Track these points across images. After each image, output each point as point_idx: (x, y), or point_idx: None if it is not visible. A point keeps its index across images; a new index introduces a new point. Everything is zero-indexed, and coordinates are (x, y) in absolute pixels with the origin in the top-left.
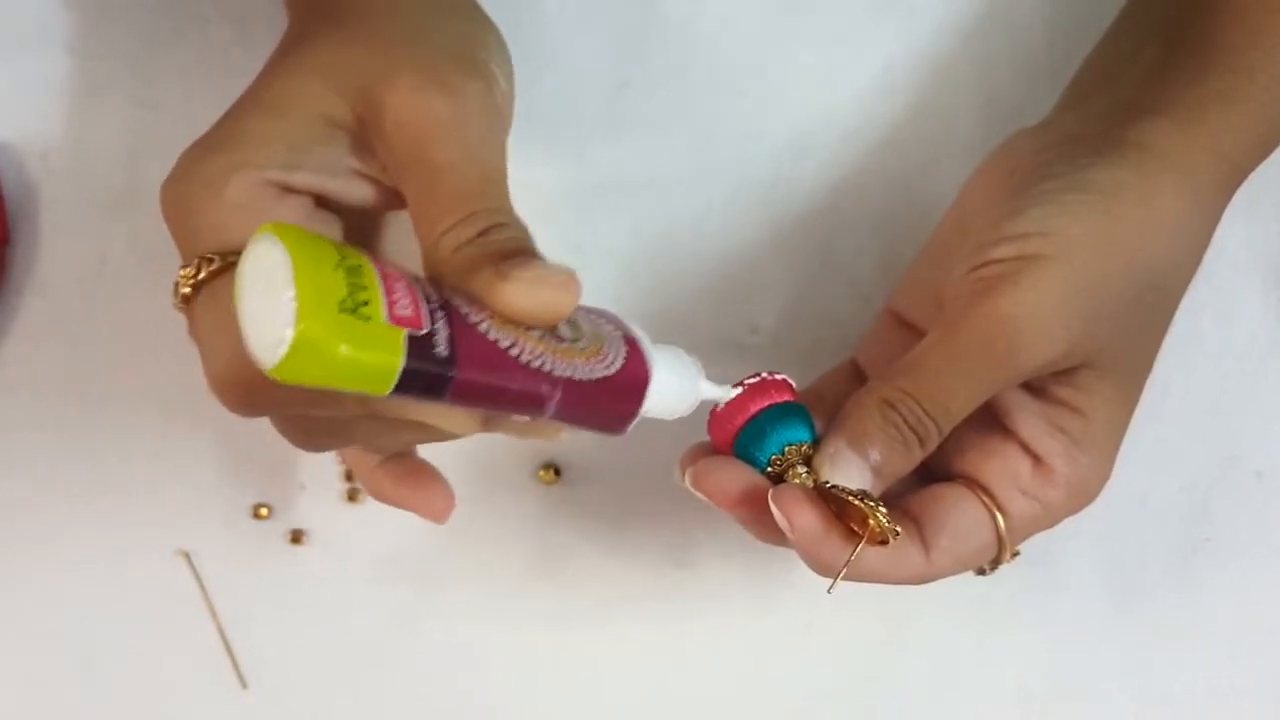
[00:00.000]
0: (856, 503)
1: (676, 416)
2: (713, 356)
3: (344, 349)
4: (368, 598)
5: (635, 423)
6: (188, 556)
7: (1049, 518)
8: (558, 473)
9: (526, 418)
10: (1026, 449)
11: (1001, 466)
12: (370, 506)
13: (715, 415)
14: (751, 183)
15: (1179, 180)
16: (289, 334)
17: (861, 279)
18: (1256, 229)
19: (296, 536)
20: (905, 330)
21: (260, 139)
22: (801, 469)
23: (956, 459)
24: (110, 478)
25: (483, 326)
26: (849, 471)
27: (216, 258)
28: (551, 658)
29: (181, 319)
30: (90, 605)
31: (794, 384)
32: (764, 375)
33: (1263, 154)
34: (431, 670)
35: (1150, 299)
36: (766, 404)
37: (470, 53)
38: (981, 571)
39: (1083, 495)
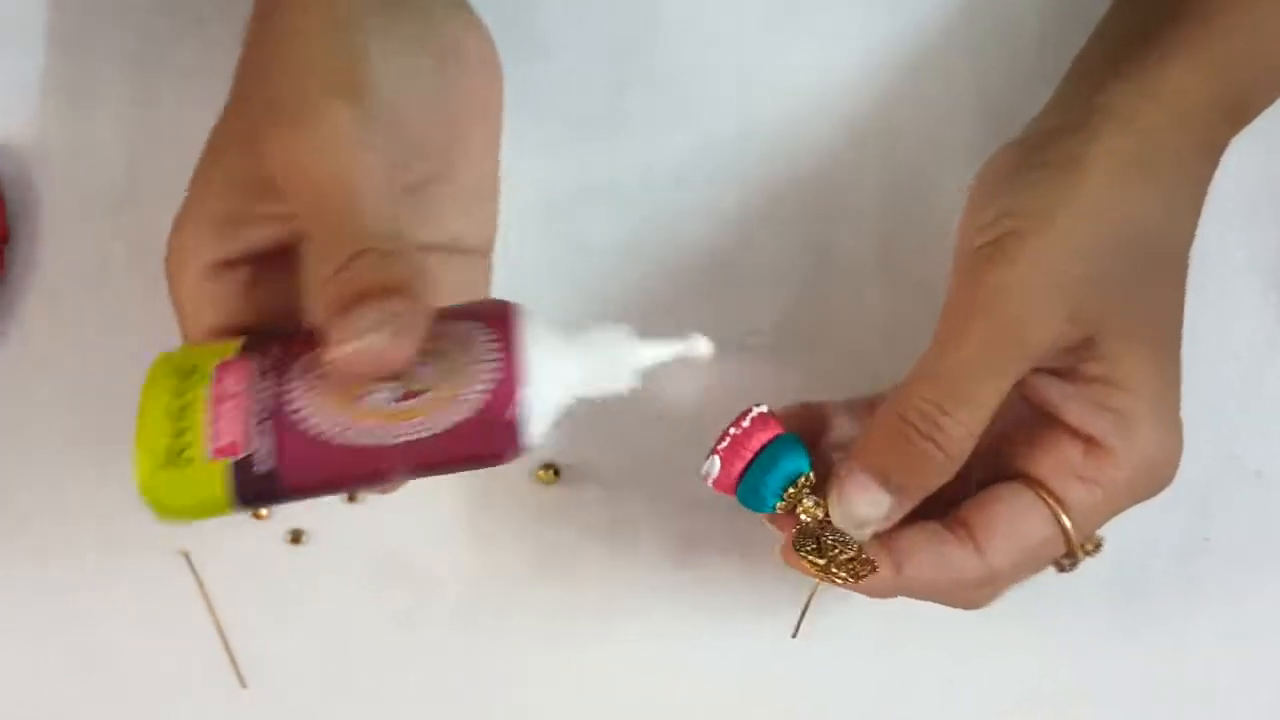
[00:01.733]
0: (829, 546)
1: (620, 391)
2: (714, 356)
3: (173, 498)
4: (368, 598)
5: (531, 438)
6: (188, 556)
7: (1117, 500)
8: (557, 473)
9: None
10: (1076, 434)
11: (1052, 456)
12: (370, 506)
13: (713, 470)
14: (751, 183)
15: (1143, 141)
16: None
17: (860, 279)
18: (1255, 230)
19: (296, 536)
20: None
21: (194, 224)
22: (809, 501)
23: (1009, 462)
24: (110, 477)
25: (314, 417)
26: (859, 496)
27: None
28: (551, 658)
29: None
30: (90, 605)
31: (772, 411)
32: (744, 417)
33: (1239, 110)
34: (431, 670)
35: (1144, 261)
36: (757, 447)
37: (340, 79)
38: (1061, 568)
39: (1155, 471)
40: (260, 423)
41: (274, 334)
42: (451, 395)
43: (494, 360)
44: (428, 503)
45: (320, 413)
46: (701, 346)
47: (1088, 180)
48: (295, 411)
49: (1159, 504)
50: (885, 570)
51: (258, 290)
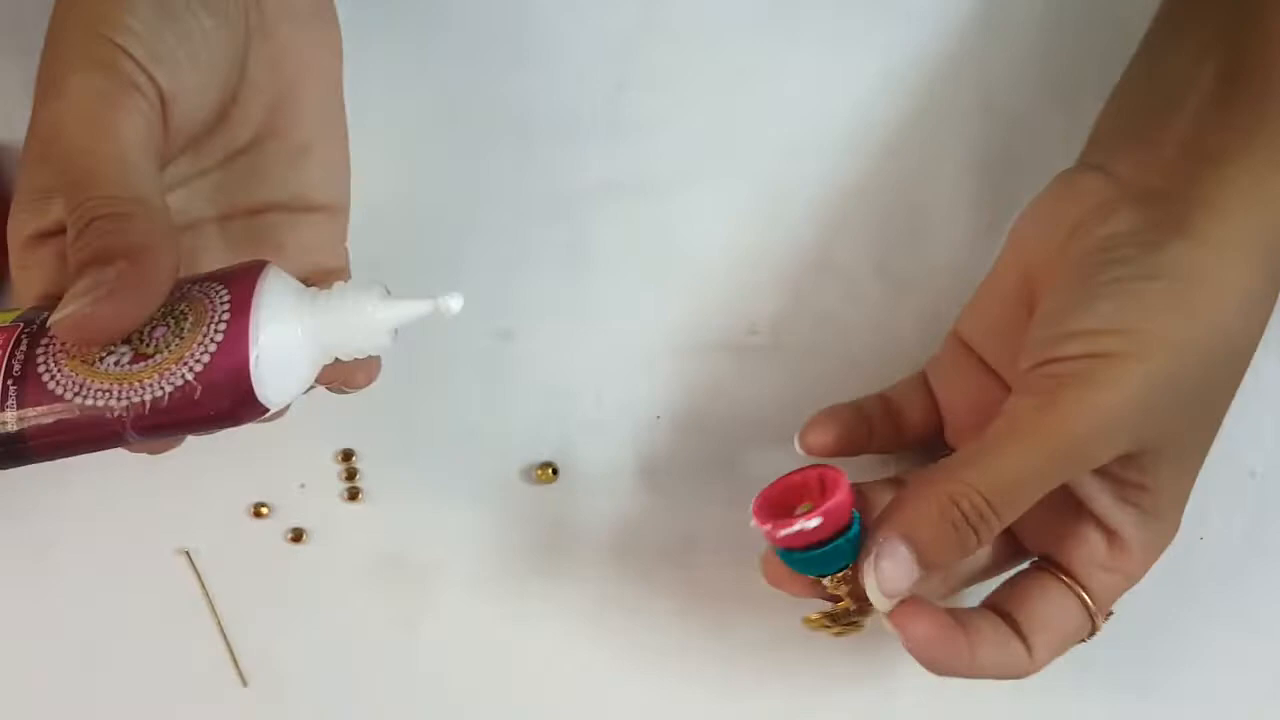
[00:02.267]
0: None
1: (370, 352)
2: (713, 356)
3: None
4: (368, 597)
5: (268, 398)
6: (188, 555)
7: (1131, 582)
8: (555, 472)
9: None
10: (1101, 525)
11: (1080, 547)
12: (370, 506)
13: (777, 530)
14: (750, 183)
15: (1250, 249)
16: None
17: (859, 280)
18: None
19: (297, 536)
20: (972, 357)
21: (18, 200)
22: (843, 586)
23: (1035, 540)
24: (111, 477)
25: (55, 379)
26: (896, 569)
27: None
28: (550, 657)
29: None
30: (91, 604)
31: (847, 483)
32: (836, 487)
33: None
34: (431, 669)
35: (1219, 379)
36: (835, 528)
37: (89, 44)
38: (1082, 640)
39: (1155, 554)
40: (10, 385)
41: (52, 303)
42: (179, 357)
43: (224, 321)
44: (428, 503)
45: (60, 375)
46: (453, 303)
47: (1201, 304)
48: (39, 374)
49: None
50: (964, 651)
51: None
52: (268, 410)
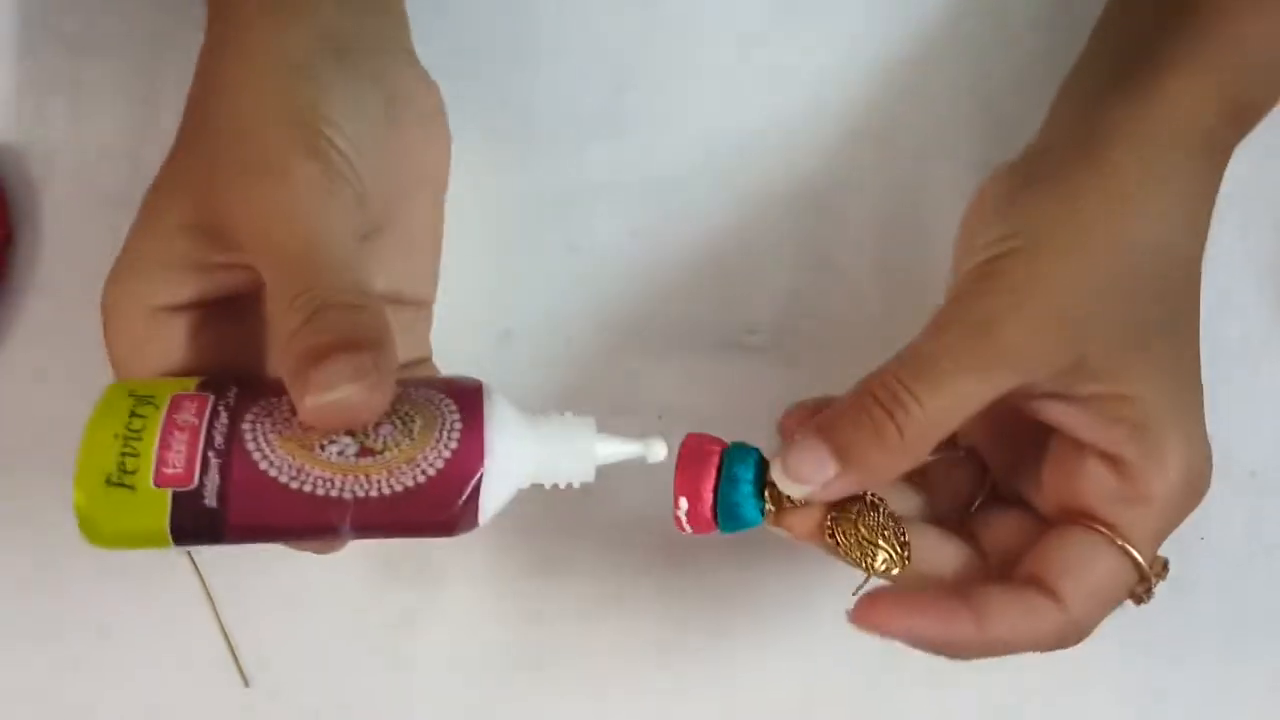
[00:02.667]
0: (864, 534)
1: (571, 484)
2: (713, 357)
3: (111, 521)
4: (368, 597)
5: (483, 515)
6: (190, 555)
7: (1163, 514)
8: None
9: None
10: (1102, 455)
11: (1087, 484)
12: None
13: (683, 512)
14: (750, 183)
15: (1143, 156)
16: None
17: (858, 280)
18: (1250, 230)
19: None
20: None
21: (143, 266)
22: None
23: (1053, 506)
24: None
25: (267, 458)
26: (806, 454)
27: None
28: (550, 657)
29: None
30: (91, 603)
31: (700, 433)
32: (683, 452)
33: (1242, 116)
34: (431, 670)
35: (1141, 279)
36: (713, 468)
37: (303, 131)
38: (1139, 599)
39: (1188, 480)
40: (212, 457)
41: (233, 375)
42: (409, 458)
43: (456, 430)
44: None
45: (274, 456)
46: (658, 449)
47: (1086, 200)
48: (249, 451)
49: None
50: (968, 627)
51: (203, 337)
52: (478, 526)
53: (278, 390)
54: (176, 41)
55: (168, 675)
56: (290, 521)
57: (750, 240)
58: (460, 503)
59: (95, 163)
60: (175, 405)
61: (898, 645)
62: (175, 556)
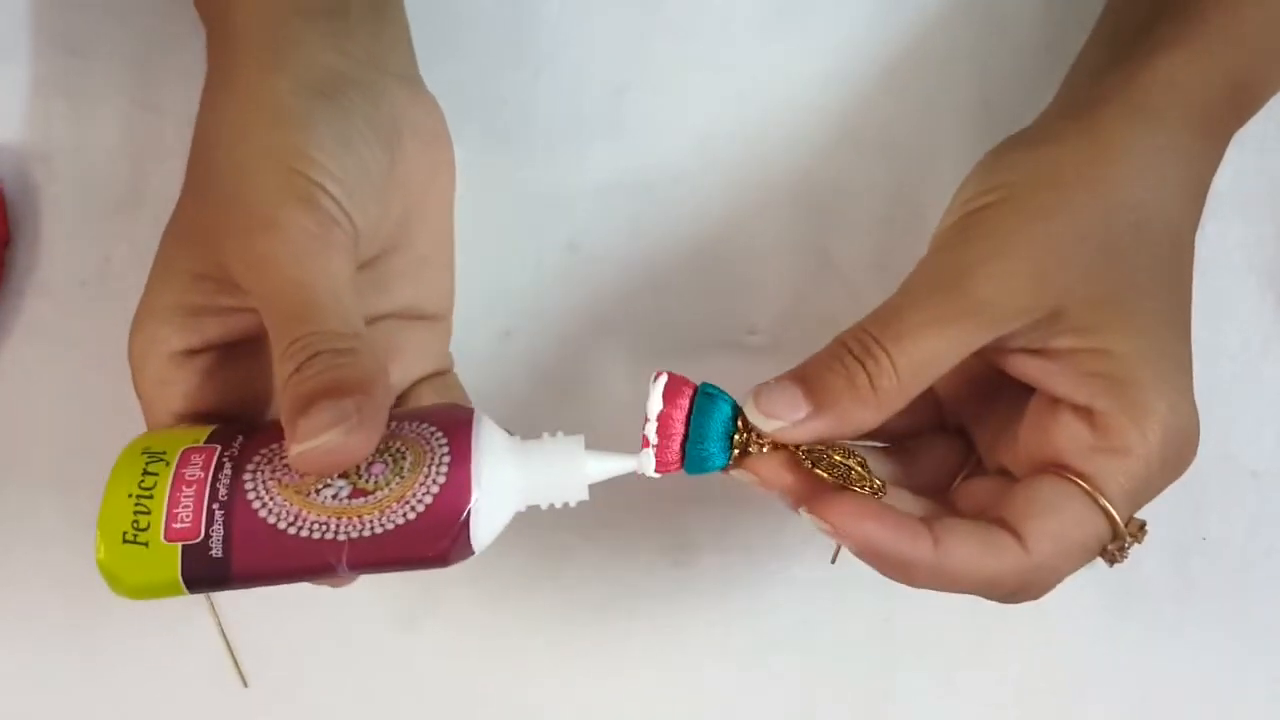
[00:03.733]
0: (837, 459)
1: (568, 502)
2: (712, 356)
3: (129, 576)
4: (368, 598)
5: (477, 544)
6: None
7: (1143, 473)
8: None
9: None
10: (1076, 409)
11: (1061, 436)
12: None
13: (651, 452)
14: (750, 183)
15: (1131, 122)
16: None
17: (858, 280)
18: (1251, 230)
19: None
20: None
21: (160, 314)
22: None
23: (1026, 456)
24: None
25: (266, 506)
26: (779, 393)
27: None
28: (550, 657)
29: None
30: (91, 604)
31: (672, 373)
32: (654, 391)
33: (1241, 99)
34: (431, 670)
35: (1131, 233)
36: (684, 411)
37: (293, 180)
38: (1112, 558)
39: (1172, 434)
40: (216, 510)
41: (240, 426)
42: (400, 495)
43: (444, 464)
44: None
45: (273, 504)
46: (650, 462)
47: (1071, 158)
48: (249, 501)
49: (1156, 502)
50: (924, 546)
51: (219, 376)
52: (474, 554)
53: (281, 435)
54: (176, 43)
55: (167, 676)
56: (290, 565)
57: (750, 240)
58: (450, 537)
59: (95, 165)
60: (184, 460)
61: (897, 645)
62: None
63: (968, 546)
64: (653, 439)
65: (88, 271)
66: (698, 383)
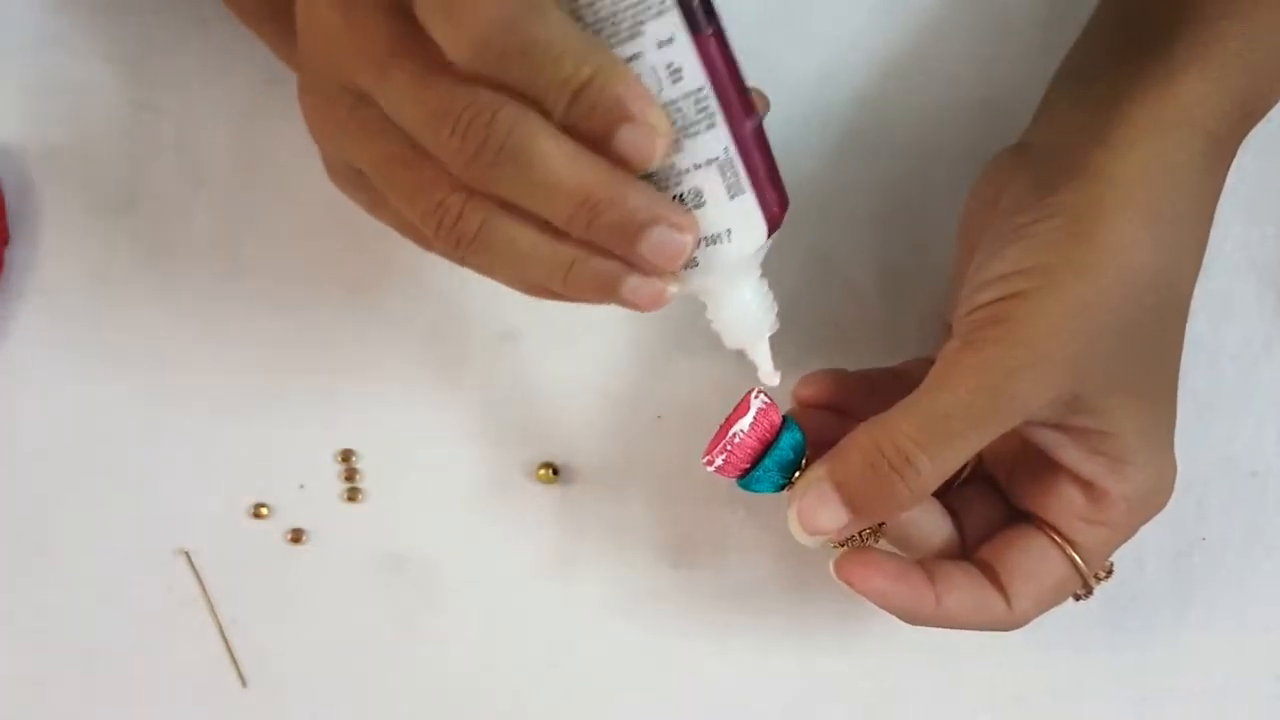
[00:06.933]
0: None
1: (738, 341)
2: (713, 357)
3: None
4: (368, 597)
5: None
6: (188, 556)
7: (1121, 534)
8: (556, 472)
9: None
10: (1075, 479)
11: (1058, 501)
12: (370, 506)
13: (721, 459)
14: None
15: (1155, 183)
16: None
17: (858, 281)
18: (1252, 230)
19: (296, 536)
20: None
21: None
22: None
23: (1021, 501)
24: (110, 477)
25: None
26: (819, 506)
27: None
28: (550, 657)
29: (179, 321)
30: (90, 604)
31: (770, 400)
32: (746, 408)
33: (1247, 116)
34: (431, 670)
35: (1141, 314)
36: (760, 444)
37: None
38: (1078, 598)
39: (1148, 500)
40: None
41: None
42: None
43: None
44: (429, 503)
45: None
46: (772, 379)
47: (1100, 232)
48: None
49: None
50: (928, 601)
51: None
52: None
53: None
54: (177, 43)
55: (166, 676)
56: (737, 79)
57: None
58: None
59: (94, 165)
60: None
61: (897, 645)
62: (173, 557)
63: (964, 601)
64: (722, 455)
65: (88, 271)
66: (784, 413)
